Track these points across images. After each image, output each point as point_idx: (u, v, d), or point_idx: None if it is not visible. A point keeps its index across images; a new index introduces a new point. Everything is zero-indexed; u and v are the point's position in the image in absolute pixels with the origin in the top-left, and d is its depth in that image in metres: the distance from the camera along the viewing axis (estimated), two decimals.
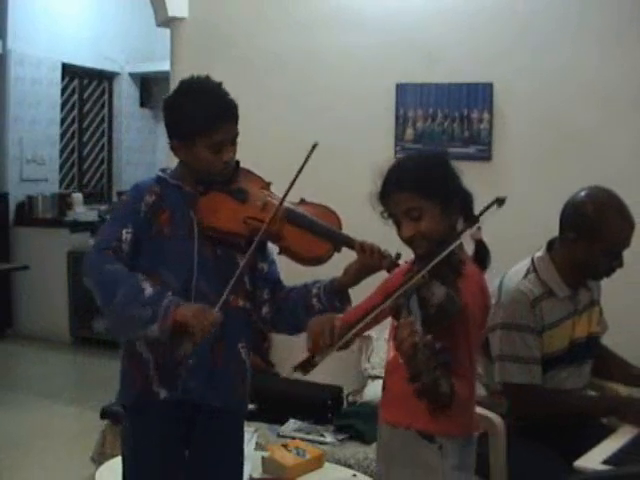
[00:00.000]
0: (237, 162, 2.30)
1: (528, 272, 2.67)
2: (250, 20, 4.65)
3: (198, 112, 2.18)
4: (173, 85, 2.38)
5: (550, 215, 2.72)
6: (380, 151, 3.95)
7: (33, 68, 7.21)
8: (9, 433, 4.58)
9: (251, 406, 3.37)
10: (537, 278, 2.65)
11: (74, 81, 7.95)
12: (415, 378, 1.69)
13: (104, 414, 3.75)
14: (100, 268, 2.14)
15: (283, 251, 2.26)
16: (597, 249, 2.57)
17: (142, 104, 8.48)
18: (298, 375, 1.98)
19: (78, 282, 6.07)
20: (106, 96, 8.31)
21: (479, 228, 1.92)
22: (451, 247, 1.83)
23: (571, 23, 3.91)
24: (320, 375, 3.42)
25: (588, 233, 2.57)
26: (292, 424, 3.63)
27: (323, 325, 1.93)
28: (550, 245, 2.72)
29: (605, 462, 2.18)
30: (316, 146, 2.14)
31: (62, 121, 7.75)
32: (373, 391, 3.68)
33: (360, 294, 2.19)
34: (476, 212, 1.92)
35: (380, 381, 2.13)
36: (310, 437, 3.48)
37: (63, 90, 7.72)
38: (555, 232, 2.70)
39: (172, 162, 2.38)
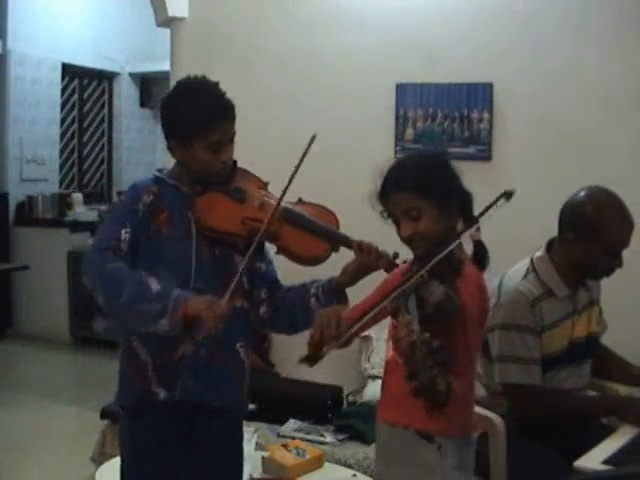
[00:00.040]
0: (234, 162, 2.30)
1: (527, 272, 2.66)
2: (250, 20, 4.64)
3: (195, 112, 2.17)
4: (173, 85, 2.38)
5: (550, 215, 2.71)
6: (380, 151, 3.95)
7: (33, 68, 7.21)
8: (9, 433, 4.57)
9: (251, 406, 3.37)
10: (536, 278, 2.65)
11: (74, 81, 7.95)
12: (412, 376, 1.68)
13: (104, 414, 3.76)
14: (102, 267, 2.13)
15: (281, 251, 2.25)
16: (596, 249, 2.57)
17: (142, 104, 8.48)
18: (304, 366, 1.92)
19: (78, 282, 6.06)
20: (106, 96, 8.31)
21: (478, 229, 1.92)
22: (451, 247, 1.84)
23: (571, 23, 3.90)
24: (320, 375, 3.42)
25: (587, 233, 2.57)
26: (292, 424, 3.63)
27: (330, 317, 1.92)
28: (549, 245, 2.72)
29: (605, 462, 2.18)
30: (315, 138, 2.14)
31: (62, 121, 7.75)
32: (373, 391, 3.68)
33: (359, 294, 2.19)
34: (479, 209, 1.91)
35: (380, 381, 2.13)
36: (310, 437, 3.48)
37: (63, 90, 7.72)
38: (555, 232, 2.69)
39: (172, 162, 2.37)
